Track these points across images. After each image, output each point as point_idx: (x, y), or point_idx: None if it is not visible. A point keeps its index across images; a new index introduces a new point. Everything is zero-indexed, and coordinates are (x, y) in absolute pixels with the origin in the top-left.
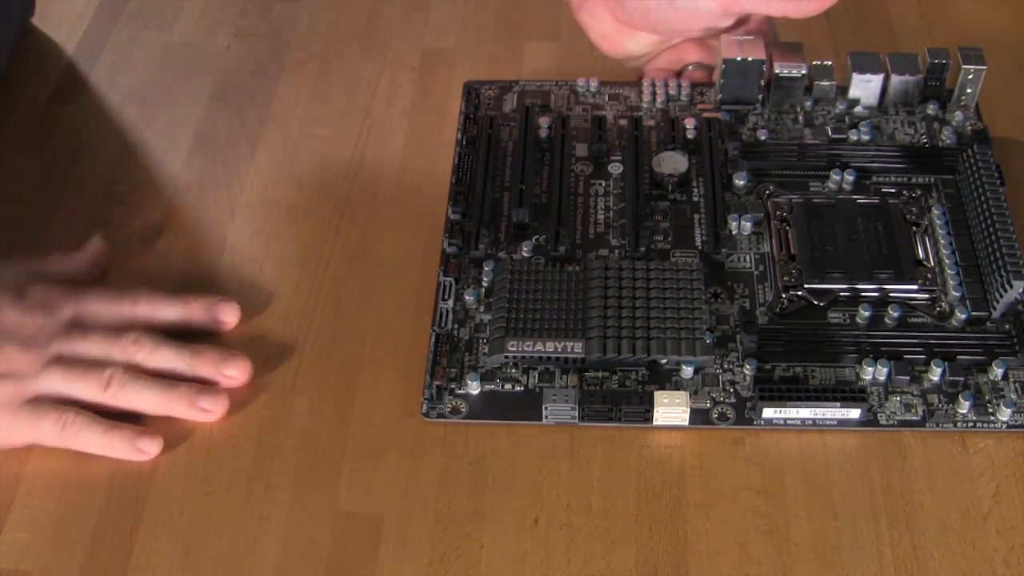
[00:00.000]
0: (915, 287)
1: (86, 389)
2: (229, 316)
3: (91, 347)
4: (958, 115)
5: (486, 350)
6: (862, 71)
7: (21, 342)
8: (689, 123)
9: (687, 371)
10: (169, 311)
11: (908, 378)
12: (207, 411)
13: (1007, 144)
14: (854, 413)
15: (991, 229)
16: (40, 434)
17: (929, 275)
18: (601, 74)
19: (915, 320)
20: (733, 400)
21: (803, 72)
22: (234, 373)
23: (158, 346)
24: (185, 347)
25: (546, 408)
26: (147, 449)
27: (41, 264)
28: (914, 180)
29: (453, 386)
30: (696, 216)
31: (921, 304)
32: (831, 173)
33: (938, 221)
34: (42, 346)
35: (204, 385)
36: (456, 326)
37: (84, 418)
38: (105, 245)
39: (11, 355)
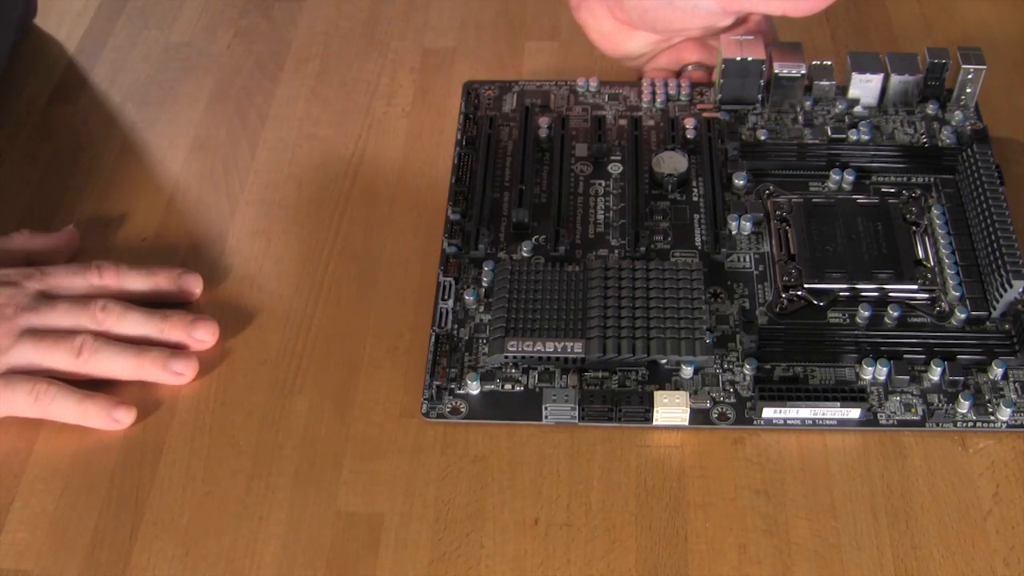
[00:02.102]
0: (915, 287)
1: (58, 358)
2: (194, 286)
3: (60, 317)
4: (958, 115)
5: (486, 350)
6: (862, 71)
7: None
8: (689, 123)
9: (687, 371)
10: (135, 281)
11: (908, 378)
12: (180, 374)
13: (1007, 144)
14: (854, 413)
15: (991, 229)
16: (14, 406)
17: (929, 275)
18: (601, 74)
19: (915, 320)
20: (733, 400)
21: (803, 72)
22: (204, 336)
23: (126, 312)
24: (154, 312)
25: (546, 408)
26: (122, 419)
27: (4, 242)
28: (914, 180)
29: (453, 386)
30: (696, 216)
31: (921, 304)
32: (831, 173)
33: (938, 221)
34: (11, 319)
35: (175, 349)
36: (456, 326)
37: (57, 387)
38: (76, 232)
39: None
